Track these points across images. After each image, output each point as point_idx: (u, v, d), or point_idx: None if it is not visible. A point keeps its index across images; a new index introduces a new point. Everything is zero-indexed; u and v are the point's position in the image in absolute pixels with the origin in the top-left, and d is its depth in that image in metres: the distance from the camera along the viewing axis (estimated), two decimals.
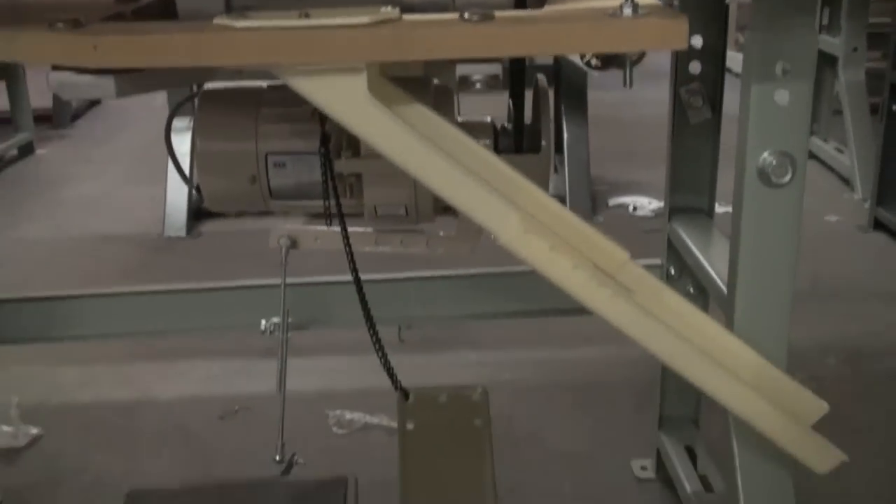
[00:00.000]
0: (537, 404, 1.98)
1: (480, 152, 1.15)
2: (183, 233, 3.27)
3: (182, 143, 3.34)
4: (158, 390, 2.11)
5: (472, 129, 1.32)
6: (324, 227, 1.49)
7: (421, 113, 1.15)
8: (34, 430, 1.91)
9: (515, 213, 1.03)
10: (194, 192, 1.46)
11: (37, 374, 2.17)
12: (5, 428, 1.88)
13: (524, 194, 1.08)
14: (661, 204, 3.17)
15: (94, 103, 5.38)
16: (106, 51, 0.98)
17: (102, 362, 2.23)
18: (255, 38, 0.97)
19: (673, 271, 1.58)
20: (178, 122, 3.78)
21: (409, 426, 1.43)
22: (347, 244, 1.41)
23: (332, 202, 1.39)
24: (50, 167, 4.28)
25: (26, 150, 4.38)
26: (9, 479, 1.76)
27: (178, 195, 3.32)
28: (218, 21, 1.03)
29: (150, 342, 2.26)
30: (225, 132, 1.41)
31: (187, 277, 2.60)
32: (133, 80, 1.07)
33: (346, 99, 1.00)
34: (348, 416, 1.96)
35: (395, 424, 1.90)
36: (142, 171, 3.99)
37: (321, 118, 1.36)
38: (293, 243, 1.54)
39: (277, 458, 1.49)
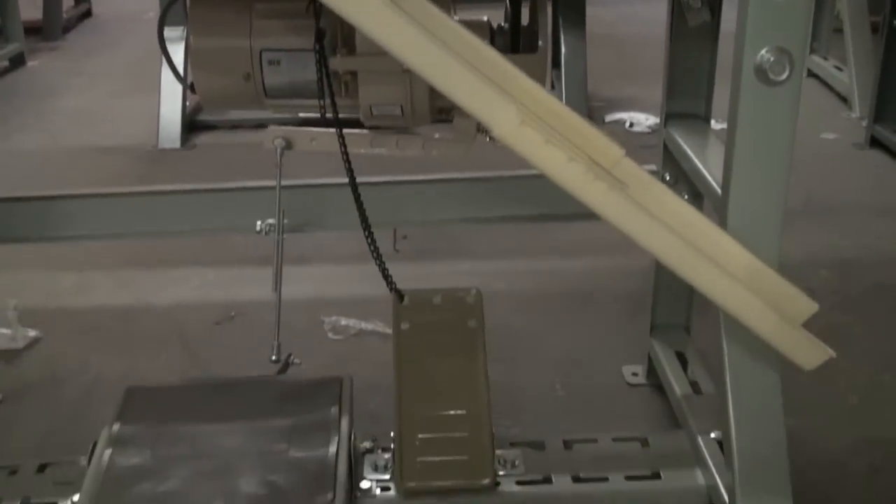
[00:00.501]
0: (531, 312, 1.99)
1: (478, 46, 1.12)
2: (177, 144, 3.24)
3: (176, 53, 3.33)
4: (155, 296, 2.13)
5: (468, 28, 1.29)
6: (319, 129, 1.48)
7: (419, 5, 1.12)
8: (32, 333, 1.92)
9: (511, 106, 1.02)
10: (189, 91, 1.43)
11: (34, 279, 2.18)
12: (3, 330, 1.90)
13: (521, 89, 1.06)
14: (658, 120, 3.16)
15: (84, 15, 5.27)
16: None
17: (99, 268, 2.24)
18: None
19: (668, 177, 1.58)
20: (170, 32, 3.72)
21: (404, 326, 1.45)
22: (343, 144, 1.40)
23: (328, 101, 1.37)
24: (41, 79, 4.21)
25: (17, 61, 4.31)
26: (9, 380, 1.78)
27: (171, 107, 3.29)
28: None
29: (146, 249, 2.27)
30: (219, 28, 1.38)
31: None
32: None
33: None
34: (343, 322, 1.98)
35: (389, 330, 1.93)
36: (134, 83, 3.94)
37: (316, 13, 1.33)
38: (288, 144, 1.53)
39: (273, 357, 1.51)
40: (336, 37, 1.35)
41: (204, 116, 3.41)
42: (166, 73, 3.31)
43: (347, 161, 1.42)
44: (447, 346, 1.41)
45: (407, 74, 1.33)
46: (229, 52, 1.37)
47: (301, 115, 1.49)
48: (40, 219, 1.59)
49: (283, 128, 1.54)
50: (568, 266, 2.21)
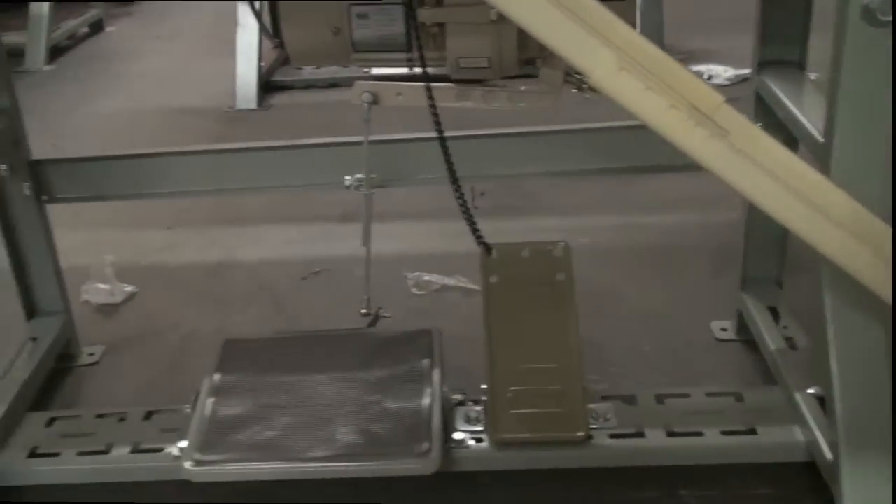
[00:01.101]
0: (615, 267, 1.98)
1: None
2: (254, 104, 3.30)
3: (249, 14, 3.37)
4: (241, 253, 2.18)
5: None
6: (406, 83, 1.48)
7: None
8: (129, 288, 1.99)
9: (609, 51, 1.01)
10: (278, 47, 1.45)
11: (126, 237, 2.25)
12: (102, 286, 1.96)
13: (618, 35, 1.04)
14: (737, 72, 3.08)
15: None
16: None
17: (186, 226, 2.30)
18: None
19: (761, 126, 1.54)
20: None
21: (493, 280, 1.46)
22: (431, 98, 1.41)
23: (415, 54, 1.38)
24: (120, 43, 4.32)
25: (96, 27, 4.43)
26: (109, 333, 1.85)
27: (247, 68, 3.34)
28: None
29: (229, 207, 2.33)
30: None
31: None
32: None
33: None
34: (426, 277, 2.00)
35: (471, 285, 1.95)
36: (208, 46, 4.00)
37: None
38: (375, 99, 1.54)
39: (364, 311, 1.54)
40: None
41: (278, 77, 3.47)
42: (243, 34, 3.36)
43: (435, 115, 1.42)
44: (537, 300, 1.42)
45: (495, 25, 1.33)
46: (319, 7, 1.39)
47: (382, 71, 1.51)
48: (133, 177, 1.62)
49: (370, 82, 1.55)
50: (650, 220, 2.18)
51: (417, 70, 1.39)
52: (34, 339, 1.64)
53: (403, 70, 1.44)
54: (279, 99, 3.39)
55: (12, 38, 3.66)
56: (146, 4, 4.97)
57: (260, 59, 3.36)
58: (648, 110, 1.01)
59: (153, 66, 3.91)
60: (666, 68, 1.03)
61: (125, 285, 1.99)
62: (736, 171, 1.02)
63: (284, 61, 3.61)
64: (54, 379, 1.68)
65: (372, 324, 1.57)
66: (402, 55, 1.41)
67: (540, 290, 1.43)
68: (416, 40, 1.37)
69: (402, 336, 1.54)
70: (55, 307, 1.68)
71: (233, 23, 3.38)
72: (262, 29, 1.58)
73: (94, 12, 4.36)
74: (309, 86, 3.43)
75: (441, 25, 1.36)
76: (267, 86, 3.40)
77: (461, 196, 1.45)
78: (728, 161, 1.02)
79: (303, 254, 2.17)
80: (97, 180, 1.62)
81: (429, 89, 1.41)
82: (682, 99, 1.01)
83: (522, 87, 1.45)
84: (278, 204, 2.34)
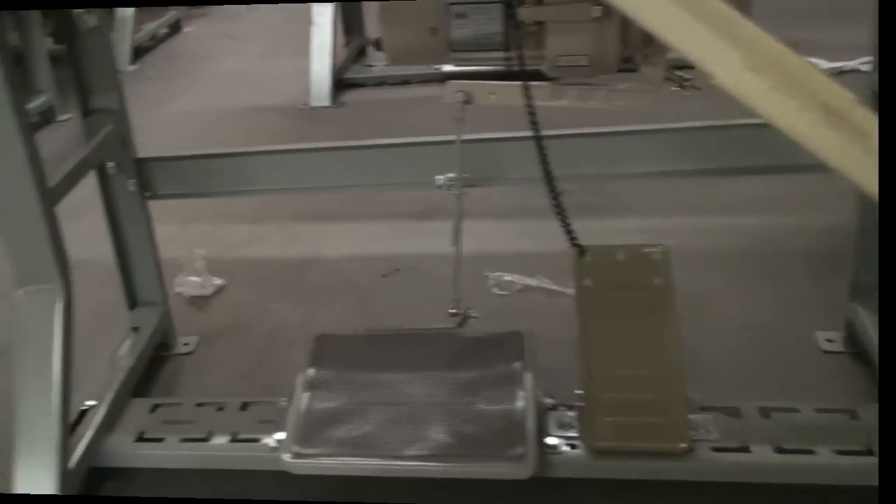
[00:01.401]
0: (706, 271, 1.88)
1: None
2: (328, 102, 3.29)
3: (323, 13, 3.37)
4: (323, 249, 2.15)
5: None
6: (499, 82, 1.44)
7: None
8: (218, 281, 1.99)
9: (736, 49, 0.95)
10: (374, 47, 1.43)
11: (212, 232, 2.25)
12: (193, 278, 1.97)
13: (741, 32, 0.98)
14: (835, 64, 2.95)
15: None
16: None
17: (269, 221, 2.29)
18: None
19: None
20: None
21: (587, 283, 1.41)
22: (528, 97, 1.36)
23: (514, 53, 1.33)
24: (197, 43, 4.36)
25: (175, 28, 4.49)
26: (201, 324, 1.86)
27: (321, 66, 3.34)
28: None
29: (308, 204, 2.32)
30: None
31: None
32: None
33: None
34: (507, 277, 1.95)
35: (554, 287, 1.89)
36: (279, 45, 4.03)
37: None
38: (468, 98, 1.50)
39: (453, 310, 1.51)
40: None
41: (350, 74, 3.46)
42: (317, 33, 3.36)
43: (532, 114, 1.38)
44: (634, 305, 1.36)
45: (597, 23, 1.27)
46: (418, 7, 1.36)
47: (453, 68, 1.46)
48: (229, 175, 1.62)
49: (463, 81, 1.51)
50: (742, 223, 2.08)
51: (500, 67, 1.35)
52: (135, 329, 1.67)
53: (477, 68, 1.39)
54: (352, 96, 3.38)
55: None
56: (219, 6, 5.02)
57: (333, 56, 3.35)
58: (777, 112, 0.94)
59: (229, 65, 3.94)
60: (794, 68, 0.97)
61: (214, 278, 2.00)
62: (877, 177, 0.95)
63: (356, 59, 3.61)
64: (153, 367, 1.70)
65: (461, 324, 1.53)
66: (500, 54, 1.37)
67: (637, 294, 1.37)
68: (515, 39, 1.33)
69: (492, 338, 1.49)
70: (154, 298, 1.71)
71: (300, 22, 3.38)
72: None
73: (172, 14, 4.43)
74: (380, 83, 3.41)
75: (540, 23, 1.31)
76: (339, 83, 3.39)
77: (556, 196, 1.40)
78: (867, 165, 0.95)
79: (383, 251, 2.14)
80: (196, 178, 1.63)
81: (526, 88, 1.36)
82: (813, 99, 0.94)
83: (621, 86, 1.39)
84: (356, 201, 2.32)
